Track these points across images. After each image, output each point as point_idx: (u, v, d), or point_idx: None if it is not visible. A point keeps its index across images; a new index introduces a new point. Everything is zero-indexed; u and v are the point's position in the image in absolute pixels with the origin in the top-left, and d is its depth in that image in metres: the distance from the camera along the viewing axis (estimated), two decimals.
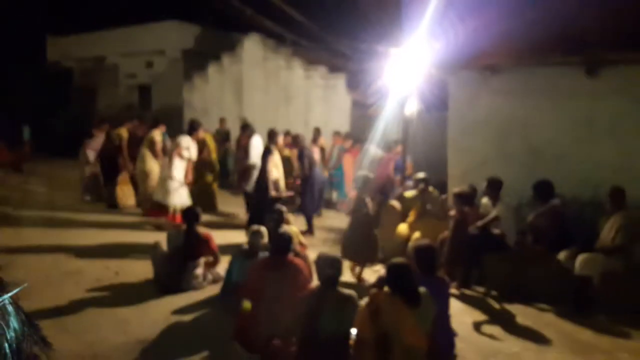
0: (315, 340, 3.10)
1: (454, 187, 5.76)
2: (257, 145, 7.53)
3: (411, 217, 5.77)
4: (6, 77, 17.89)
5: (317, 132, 9.95)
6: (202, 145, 7.99)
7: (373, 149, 9.69)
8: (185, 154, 6.95)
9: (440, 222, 5.55)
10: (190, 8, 15.46)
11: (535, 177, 5.37)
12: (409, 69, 6.28)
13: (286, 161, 8.16)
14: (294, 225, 5.49)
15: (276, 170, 6.77)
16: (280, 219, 4.86)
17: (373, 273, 5.50)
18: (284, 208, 5.14)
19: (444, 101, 7.25)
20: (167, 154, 7.34)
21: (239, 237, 6.40)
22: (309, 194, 7.20)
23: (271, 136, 6.81)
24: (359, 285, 4.99)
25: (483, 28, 5.44)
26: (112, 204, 8.42)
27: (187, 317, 4.27)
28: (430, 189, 5.90)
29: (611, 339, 4.15)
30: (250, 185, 7.54)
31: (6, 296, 0.65)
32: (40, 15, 18.51)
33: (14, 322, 0.65)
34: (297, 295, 3.39)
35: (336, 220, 8.66)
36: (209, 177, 8.40)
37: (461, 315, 4.48)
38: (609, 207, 4.82)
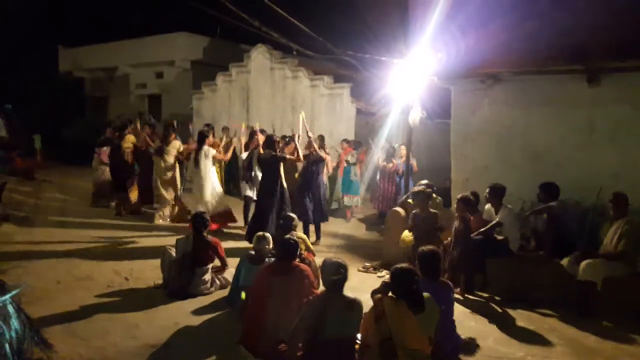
0: (320, 345, 3.14)
1: (457, 194, 5.82)
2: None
3: None
4: (19, 87, 18.24)
5: (322, 140, 10.04)
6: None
7: (379, 156, 9.81)
8: (217, 156, 7.72)
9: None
10: (199, 20, 15.71)
11: (537, 184, 5.44)
12: (412, 78, 6.37)
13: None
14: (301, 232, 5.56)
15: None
16: (291, 226, 4.93)
17: (378, 278, 5.56)
18: (293, 215, 5.22)
19: (447, 109, 7.33)
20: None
21: (245, 243, 6.49)
22: (313, 202, 7.24)
23: (270, 144, 6.83)
24: None
25: (484, 38, 5.52)
26: (122, 213, 8.58)
27: (195, 322, 4.33)
28: (434, 195, 5.96)
29: (615, 344, 4.15)
30: (247, 191, 7.74)
31: (7, 296, 0.65)
32: (52, 27, 18.88)
33: (14, 324, 0.64)
34: (303, 300, 3.45)
35: (342, 226, 8.74)
36: None
37: (465, 320, 4.52)
38: (612, 213, 4.85)
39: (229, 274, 5.01)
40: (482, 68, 6.13)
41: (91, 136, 10.66)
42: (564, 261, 4.91)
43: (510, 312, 4.85)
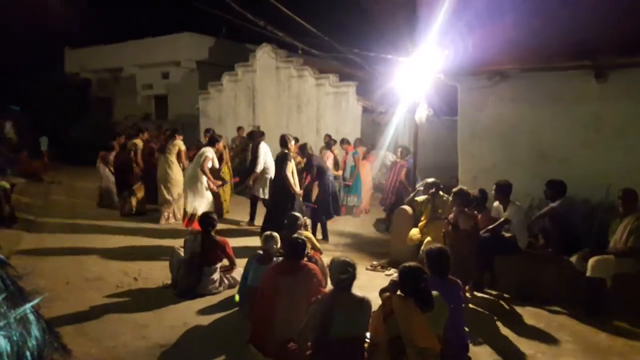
0: (329, 344, 3.13)
1: None
2: (265, 151, 7.73)
3: (423, 221, 5.82)
4: (26, 88, 18.40)
5: (330, 139, 10.06)
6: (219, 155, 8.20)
7: (385, 155, 9.81)
8: (210, 164, 7.22)
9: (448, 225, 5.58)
10: (204, 20, 15.80)
11: (544, 181, 5.41)
12: (419, 75, 6.35)
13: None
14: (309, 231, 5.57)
15: (292, 177, 6.86)
16: (296, 225, 4.94)
17: (386, 277, 5.56)
18: (299, 214, 5.23)
19: (453, 107, 7.30)
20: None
21: (254, 242, 6.51)
22: (321, 201, 7.26)
23: (283, 142, 6.87)
24: None
25: (491, 34, 5.49)
26: (128, 213, 8.63)
27: (205, 322, 4.36)
28: (440, 193, 5.95)
29: (625, 342, 4.13)
30: (260, 191, 7.71)
31: (27, 306, 0.65)
32: (58, 29, 19.02)
33: (35, 331, 0.65)
34: (311, 299, 3.45)
35: (349, 225, 8.74)
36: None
37: (474, 318, 4.51)
38: (621, 210, 4.81)
39: (238, 273, 5.03)
40: (488, 65, 6.10)
41: (97, 137, 10.75)
42: (573, 258, 4.88)
43: (519, 309, 4.84)
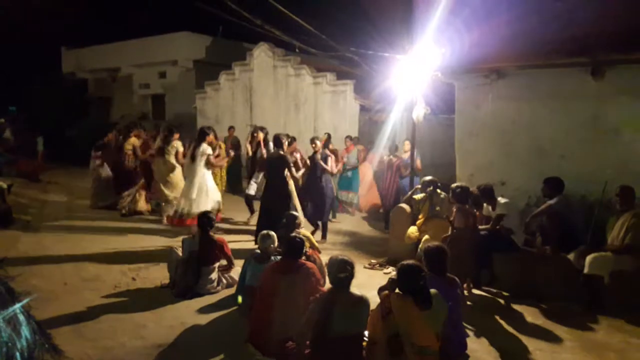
0: (327, 342, 3.14)
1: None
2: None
3: (420, 219, 5.82)
4: (23, 89, 18.36)
5: (328, 138, 10.05)
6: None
7: (383, 153, 9.80)
8: (211, 159, 7.38)
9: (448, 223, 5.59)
10: (201, 20, 15.75)
11: (542, 178, 5.42)
12: (416, 73, 6.35)
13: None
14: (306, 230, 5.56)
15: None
16: (294, 224, 4.94)
17: (384, 275, 5.56)
18: (296, 213, 5.22)
19: (450, 105, 7.31)
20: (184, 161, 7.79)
21: (251, 242, 6.51)
22: (320, 201, 7.24)
23: (278, 142, 6.83)
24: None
25: (488, 32, 5.50)
26: (127, 212, 8.61)
27: (203, 321, 4.35)
28: (438, 191, 5.95)
29: (623, 338, 4.15)
30: (254, 189, 7.73)
31: (17, 306, 0.65)
32: (55, 29, 18.99)
33: (25, 331, 0.64)
34: (310, 297, 3.45)
35: (347, 223, 8.74)
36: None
37: (472, 315, 4.52)
38: (619, 207, 4.83)
39: (236, 272, 5.03)
40: (485, 63, 6.11)
41: (95, 137, 10.72)
42: (570, 255, 4.90)
43: (518, 307, 4.86)
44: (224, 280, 5.12)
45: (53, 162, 15.10)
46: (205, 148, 7.32)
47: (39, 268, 5.61)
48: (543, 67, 5.95)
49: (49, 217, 8.50)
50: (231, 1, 6.37)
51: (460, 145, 6.98)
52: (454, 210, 5.20)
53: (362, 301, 3.22)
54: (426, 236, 5.47)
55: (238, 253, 5.56)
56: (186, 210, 7.15)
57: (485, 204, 5.58)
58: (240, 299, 4.60)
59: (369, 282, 5.16)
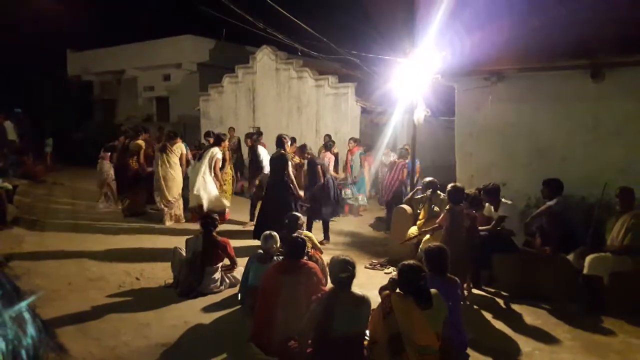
0: (329, 342, 3.16)
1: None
2: (263, 152, 8.01)
3: (421, 219, 5.86)
4: (28, 91, 18.49)
5: (330, 140, 10.10)
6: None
7: (388, 152, 9.86)
8: (217, 169, 7.74)
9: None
10: (204, 23, 15.88)
11: (542, 180, 5.44)
12: (416, 76, 6.40)
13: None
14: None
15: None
16: (296, 225, 4.99)
17: (385, 275, 5.60)
18: (298, 214, 5.27)
19: (451, 107, 7.35)
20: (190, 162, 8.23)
21: (254, 242, 6.55)
22: (324, 201, 7.28)
23: (280, 142, 6.89)
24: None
25: (488, 35, 5.54)
26: (132, 213, 8.69)
27: (206, 321, 4.39)
28: (438, 192, 5.99)
29: (623, 339, 4.16)
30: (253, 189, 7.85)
31: (23, 304, 0.65)
32: (61, 32, 19.13)
33: (30, 330, 0.65)
34: (312, 297, 3.48)
35: (349, 223, 8.78)
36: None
37: (472, 315, 4.55)
38: (618, 208, 4.85)
39: (239, 272, 5.08)
40: (486, 65, 6.15)
41: (100, 139, 10.82)
42: (570, 256, 4.93)
43: (517, 307, 4.87)
44: (227, 280, 5.16)
45: (58, 164, 15.21)
46: (217, 152, 7.70)
47: (44, 267, 5.67)
48: (543, 70, 5.99)
49: (54, 217, 8.57)
50: (235, 5, 6.45)
51: (460, 147, 7.01)
52: (445, 210, 5.19)
53: (364, 301, 3.24)
54: (427, 236, 5.50)
55: (241, 253, 5.62)
56: (201, 202, 7.55)
57: (487, 204, 5.59)
58: (240, 296, 4.65)
59: (370, 282, 5.20)
